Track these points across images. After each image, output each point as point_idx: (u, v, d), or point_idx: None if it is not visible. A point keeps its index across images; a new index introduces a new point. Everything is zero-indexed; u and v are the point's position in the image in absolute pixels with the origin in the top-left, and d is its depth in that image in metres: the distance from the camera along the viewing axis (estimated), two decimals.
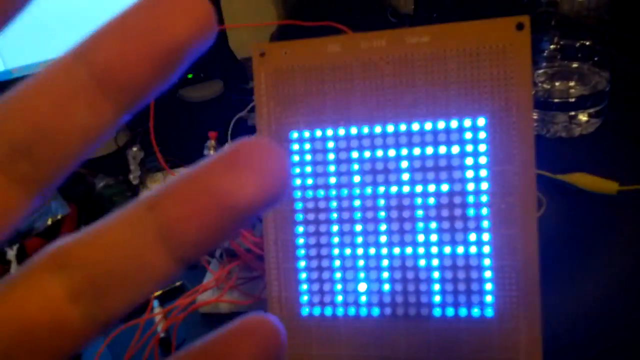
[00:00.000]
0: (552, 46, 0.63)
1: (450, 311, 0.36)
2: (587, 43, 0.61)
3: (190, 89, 0.74)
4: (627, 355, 0.42)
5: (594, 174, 0.53)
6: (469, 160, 0.36)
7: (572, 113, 0.61)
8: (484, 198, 0.36)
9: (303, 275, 0.39)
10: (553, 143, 0.61)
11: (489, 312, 0.36)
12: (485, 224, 0.36)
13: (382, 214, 0.37)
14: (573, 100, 0.61)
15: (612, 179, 0.52)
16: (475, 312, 0.36)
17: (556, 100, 0.62)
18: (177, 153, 0.65)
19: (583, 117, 0.61)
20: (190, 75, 0.71)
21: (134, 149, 0.65)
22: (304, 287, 0.39)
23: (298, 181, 0.39)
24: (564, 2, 0.61)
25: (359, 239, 0.38)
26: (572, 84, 0.62)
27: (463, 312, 0.36)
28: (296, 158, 0.39)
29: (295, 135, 0.39)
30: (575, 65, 0.63)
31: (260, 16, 0.90)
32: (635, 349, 0.42)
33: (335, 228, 0.38)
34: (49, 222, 0.58)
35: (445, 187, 0.36)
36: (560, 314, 0.42)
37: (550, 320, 0.38)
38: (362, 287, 0.38)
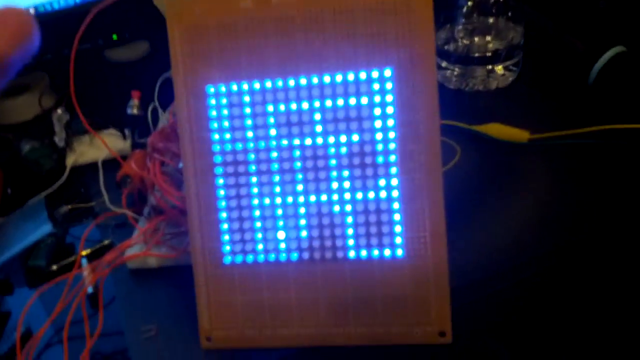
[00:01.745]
0: (469, 2, 0.65)
1: (363, 253, 0.39)
2: None
3: (116, 50, 0.73)
4: (532, 289, 0.46)
5: (507, 124, 0.56)
6: (377, 111, 0.38)
7: (490, 67, 0.64)
8: (391, 146, 0.38)
9: (225, 226, 0.40)
10: (471, 96, 0.64)
11: (400, 253, 0.38)
12: (394, 170, 0.38)
13: (298, 164, 0.39)
14: (490, 54, 0.64)
15: (524, 129, 0.55)
16: (387, 253, 0.38)
17: (475, 55, 0.64)
18: (103, 114, 0.64)
19: (499, 70, 0.64)
20: (115, 36, 0.70)
21: (59, 111, 0.64)
22: (226, 237, 0.40)
23: (216, 136, 0.40)
24: None
25: (277, 189, 0.39)
26: (489, 38, 0.65)
27: (375, 253, 0.38)
28: (213, 113, 0.40)
29: (211, 90, 0.39)
30: (491, 20, 0.65)
31: None
32: (537, 284, 0.45)
33: (254, 179, 0.40)
34: None
35: (355, 137, 0.38)
36: (471, 252, 0.45)
37: (461, 259, 0.41)
38: (281, 234, 0.40)
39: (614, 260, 0.48)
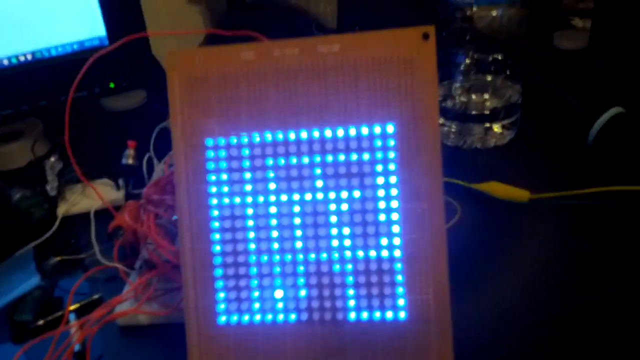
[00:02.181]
0: (467, 60, 0.65)
1: (364, 315, 0.37)
2: (500, 57, 0.64)
3: (112, 98, 0.72)
4: (536, 356, 0.44)
5: (506, 183, 0.56)
6: (379, 167, 0.37)
7: (487, 125, 0.64)
8: (394, 203, 0.37)
9: (220, 283, 0.39)
10: (469, 153, 0.63)
11: (402, 315, 0.37)
12: (396, 228, 0.37)
13: (298, 220, 0.38)
14: (488, 112, 0.64)
15: (524, 188, 0.55)
16: (389, 315, 0.37)
17: (473, 113, 0.64)
18: (98, 163, 0.63)
19: (497, 129, 0.64)
20: (112, 85, 0.70)
21: (52, 159, 0.63)
22: (221, 295, 0.39)
23: (214, 189, 0.39)
24: (478, 18, 0.63)
25: (275, 245, 0.38)
26: (486, 96, 0.65)
27: (377, 315, 0.37)
28: (211, 165, 0.39)
29: (210, 142, 0.39)
30: (489, 78, 0.65)
31: (186, 26, 0.90)
32: (542, 351, 0.44)
33: (251, 235, 0.38)
34: None
35: (357, 194, 0.37)
36: (472, 316, 0.43)
37: (462, 323, 0.40)
38: (279, 293, 0.38)
39: (621, 324, 0.46)
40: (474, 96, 0.66)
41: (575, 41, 0.72)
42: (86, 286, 0.51)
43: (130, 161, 0.58)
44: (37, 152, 0.68)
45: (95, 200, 0.58)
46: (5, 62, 0.65)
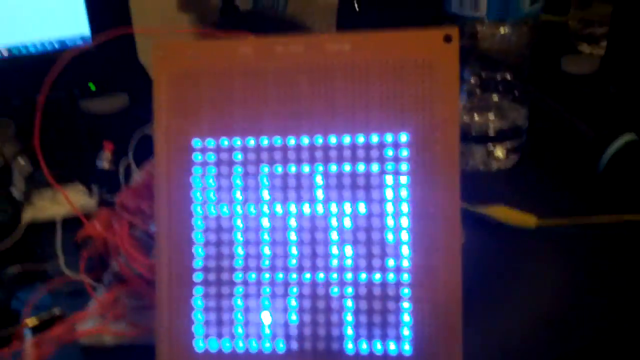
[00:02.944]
0: (472, 79, 0.62)
1: (364, 346, 0.33)
2: (507, 77, 0.61)
3: (93, 101, 0.68)
4: None
5: (512, 207, 0.52)
6: (389, 179, 0.33)
7: (491, 148, 0.60)
8: (404, 221, 0.32)
9: (199, 303, 0.34)
10: (471, 176, 0.60)
11: (407, 348, 0.32)
12: (405, 250, 0.32)
13: (293, 235, 0.33)
14: (491, 134, 0.60)
15: (530, 213, 0.51)
16: (392, 347, 0.32)
17: (475, 134, 0.61)
18: (72, 168, 0.59)
19: (501, 152, 0.61)
20: (92, 86, 0.65)
21: (21, 161, 0.58)
22: (199, 316, 0.34)
23: (199, 195, 0.34)
24: (484, 37, 0.60)
25: (266, 262, 0.34)
26: (491, 117, 0.62)
27: (378, 347, 0.32)
28: (198, 170, 0.34)
29: (198, 143, 0.34)
30: (494, 99, 0.62)
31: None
32: None
33: (240, 250, 0.34)
34: None
35: (362, 209, 0.33)
36: (478, 347, 0.39)
37: (468, 354, 0.36)
38: (266, 317, 0.33)
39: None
40: (476, 117, 0.62)
41: (583, 66, 0.69)
42: (47, 300, 0.46)
43: (106, 165, 0.53)
44: (6, 154, 0.63)
45: (65, 207, 0.53)
46: None
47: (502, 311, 0.43)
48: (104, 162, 0.52)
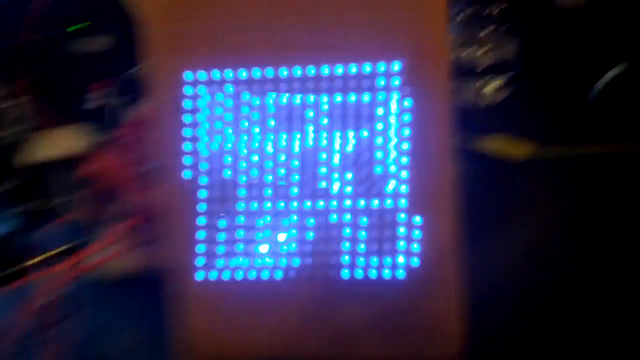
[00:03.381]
0: (461, 14, 0.61)
1: (359, 273, 0.34)
2: (497, 11, 0.60)
3: (80, 41, 0.67)
4: (539, 313, 0.42)
5: (503, 139, 0.53)
6: (380, 110, 0.33)
7: (482, 81, 0.60)
8: (404, 146, 0.33)
9: (201, 234, 0.35)
10: (462, 111, 0.60)
11: (401, 273, 0.33)
12: (403, 174, 0.33)
13: (286, 166, 0.34)
14: (480, 68, 0.60)
15: (521, 145, 0.52)
16: (389, 272, 0.33)
17: (464, 69, 0.61)
18: (64, 109, 0.58)
19: (490, 86, 0.60)
20: (79, 26, 0.64)
21: (11, 103, 0.57)
22: (202, 247, 0.35)
23: (192, 130, 0.34)
24: None
25: (269, 191, 0.34)
26: (481, 51, 0.61)
27: (373, 273, 0.33)
28: (190, 103, 0.34)
29: (190, 77, 0.34)
30: (485, 33, 0.61)
31: None
32: (541, 307, 0.41)
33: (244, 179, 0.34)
34: None
35: (360, 138, 0.33)
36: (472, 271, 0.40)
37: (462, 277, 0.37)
38: (264, 247, 0.34)
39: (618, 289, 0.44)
40: (466, 51, 0.62)
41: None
42: (55, 236, 0.47)
43: (100, 104, 0.53)
44: None
45: (64, 147, 0.54)
46: None
47: (492, 240, 0.44)
48: (95, 102, 0.51)
